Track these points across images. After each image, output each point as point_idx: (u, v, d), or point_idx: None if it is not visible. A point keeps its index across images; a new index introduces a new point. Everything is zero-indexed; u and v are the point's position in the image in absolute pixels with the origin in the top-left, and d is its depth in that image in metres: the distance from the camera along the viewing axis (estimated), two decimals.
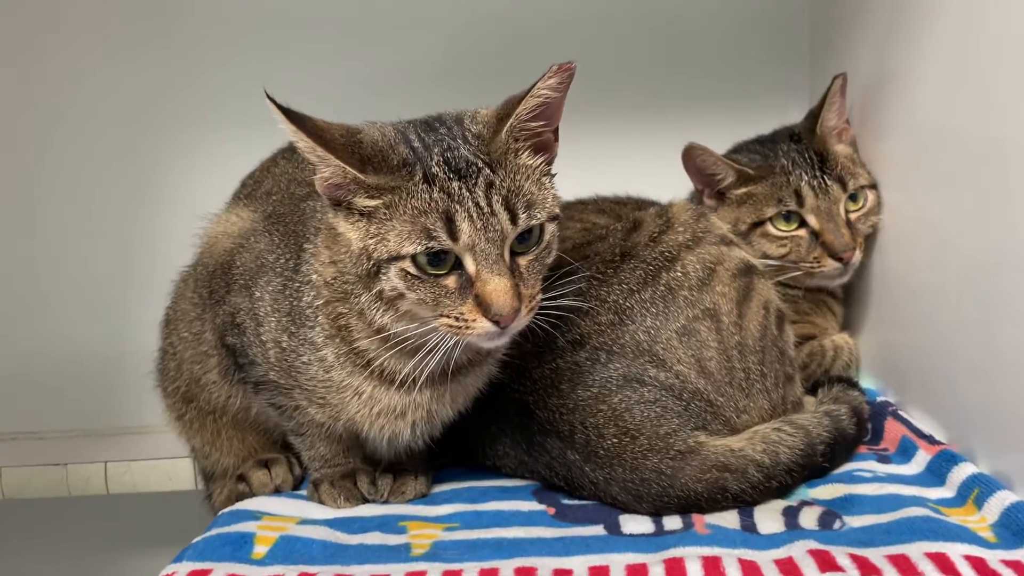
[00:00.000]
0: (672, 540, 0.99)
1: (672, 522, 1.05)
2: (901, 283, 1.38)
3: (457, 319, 0.96)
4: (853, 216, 1.42)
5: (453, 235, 0.93)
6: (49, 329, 1.84)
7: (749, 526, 1.03)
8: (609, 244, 1.26)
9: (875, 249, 1.45)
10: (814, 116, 1.46)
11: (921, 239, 1.31)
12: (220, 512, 1.17)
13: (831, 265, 1.41)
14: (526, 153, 1.01)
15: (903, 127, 1.36)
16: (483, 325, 0.95)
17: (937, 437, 1.21)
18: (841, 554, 0.92)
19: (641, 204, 1.46)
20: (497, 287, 0.94)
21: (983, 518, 1.01)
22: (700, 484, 1.07)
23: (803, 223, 1.42)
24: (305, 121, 0.96)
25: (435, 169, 0.95)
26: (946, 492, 1.10)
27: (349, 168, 0.94)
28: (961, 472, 1.10)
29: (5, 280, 1.84)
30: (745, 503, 1.08)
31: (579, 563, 0.95)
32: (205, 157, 1.79)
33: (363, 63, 1.80)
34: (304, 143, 0.95)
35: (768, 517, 1.05)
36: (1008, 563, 0.90)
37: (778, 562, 0.92)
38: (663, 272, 1.19)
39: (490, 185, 0.95)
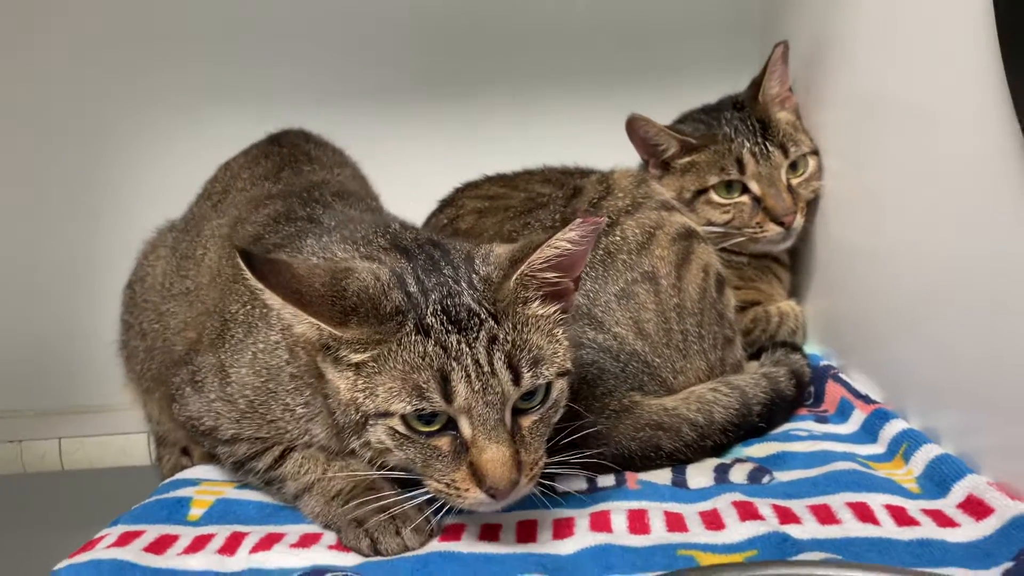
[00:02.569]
0: (603, 496, 1.01)
1: (606, 480, 1.07)
2: (843, 249, 1.40)
3: (448, 485, 0.87)
4: (795, 182, 1.43)
5: (448, 396, 0.84)
6: (2, 309, 1.83)
7: (680, 482, 1.05)
8: (550, 211, 1.27)
9: (819, 216, 1.47)
10: (756, 84, 1.47)
11: (861, 205, 1.33)
12: (163, 481, 1.17)
13: (773, 230, 1.42)
14: (537, 302, 0.90)
15: (844, 95, 1.37)
16: (476, 496, 0.85)
17: (874, 397, 1.23)
18: (764, 505, 0.94)
19: (586, 173, 1.46)
20: (494, 457, 0.84)
21: (910, 471, 1.03)
22: (634, 442, 1.09)
23: (746, 190, 1.43)
24: (279, 272, 0.85)
25: (430, 319, 0.85)
26: (877, 448, 1.12)
27: (324, 325, 0.85)
28: (892, 428, 1.12)
29: None
30: (680, 461, 1.10)
31: (509, 519, 0.97)
32: (156, 139, 1.79)
33: (318, 53, 1.81)
34: (273, 299, 0.84)
35: (699, 473, 1.07)
36: (928, 512, 0.92)
37: (702, 513, 0.95)
38: (602, 237, 1.20)
39: (492, 340, 0.85)
